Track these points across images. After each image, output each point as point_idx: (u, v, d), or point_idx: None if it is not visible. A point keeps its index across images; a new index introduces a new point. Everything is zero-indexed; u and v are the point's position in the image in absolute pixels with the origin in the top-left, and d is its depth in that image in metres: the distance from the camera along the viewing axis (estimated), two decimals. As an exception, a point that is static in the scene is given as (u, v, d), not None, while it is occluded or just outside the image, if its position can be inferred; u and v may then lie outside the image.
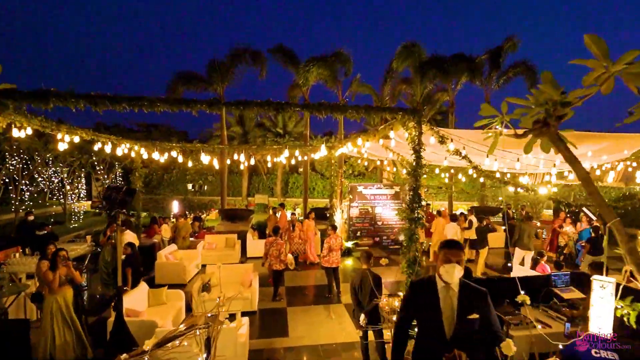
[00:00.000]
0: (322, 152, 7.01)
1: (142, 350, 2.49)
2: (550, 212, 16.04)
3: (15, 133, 5.14)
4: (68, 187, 16.51)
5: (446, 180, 11.95)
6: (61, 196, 16.76)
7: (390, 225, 12.12)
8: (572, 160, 2.41)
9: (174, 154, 8.73)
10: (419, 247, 4.80)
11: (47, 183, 17.00)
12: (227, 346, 4.43)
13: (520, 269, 7.12)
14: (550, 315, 4.77)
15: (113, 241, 7.20)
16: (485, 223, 8.80)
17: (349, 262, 10.26)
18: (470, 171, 8.33)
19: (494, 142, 2.85)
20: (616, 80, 1.77)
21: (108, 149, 7.00)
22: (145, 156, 8.85)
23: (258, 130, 26.22)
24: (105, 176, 17.45)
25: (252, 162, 8.26)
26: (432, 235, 10.01)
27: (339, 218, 11.37)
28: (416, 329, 2.41)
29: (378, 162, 11.02)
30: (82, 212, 17.13)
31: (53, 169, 16.60)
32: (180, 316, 6.16)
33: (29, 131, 5.55)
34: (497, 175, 6.55)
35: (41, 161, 16.24)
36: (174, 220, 12.82)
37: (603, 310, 2.97)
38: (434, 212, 10.97)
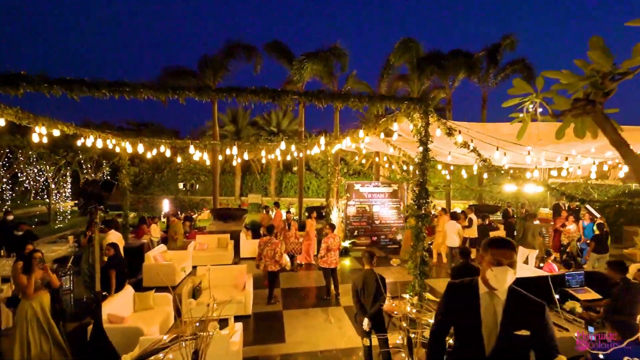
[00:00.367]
0: (321, 145, 6.61)
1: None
2: (547, 210, 15.93)
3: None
4: (53, 186, 15.88)
5: (448, 177, 11.69)
6: (46, 195, 16.12)
7: (388, 224, 11.80)
8: (621, 144, 2.07)
9: (164, 150, 8.29)
10: (426, 246, 4.46)
11: (32, 182, 16.36)
12: (219, 355, 4.04)
13: (525, 268, 6.85)
14: (567, 318, 4.47)
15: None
16: (487, 221, 8.53)
17: (346, 263, 9.92)
18: (476, 166, 8.10)
19: (523, 126, 2.52)
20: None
21: (90, 142, 6.53)
22: (135, 151, 8.39)
23: (251, 128, 25.78)
24: (93, 175, 16.84)
25: (246, 156, 7.86)
26: (436, 235, 9.71)
27: (335, 217, 11.03)
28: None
29: (377, 159, 10.69)
30: (68, 212, 16.50)
31: (38, 167, 15.97)
32: (169, 322, 5.75)
33: (2, 122, 5.10)
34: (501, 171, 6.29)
35: (24, 159, 15.60)
36: (165, 220, 12.36)
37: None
38: (439, 210, 10.61)
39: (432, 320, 3.20)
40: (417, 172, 4.43)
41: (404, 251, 10.22)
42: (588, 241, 9.08)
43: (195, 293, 6.12)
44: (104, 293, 5.41)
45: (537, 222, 10.77)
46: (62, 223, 15.44)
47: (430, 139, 4.54)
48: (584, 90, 2.09)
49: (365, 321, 4.25)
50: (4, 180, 13.70)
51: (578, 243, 9.74)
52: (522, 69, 15.15)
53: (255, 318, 6.18)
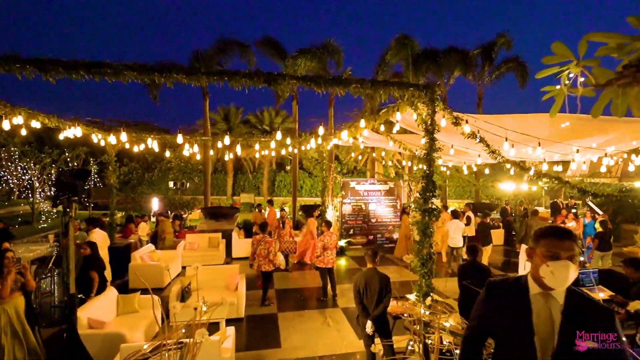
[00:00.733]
0: (319, 132, 6.24)
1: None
2: (542, 209, 15.86)
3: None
4: (37, 185, 15.24)
5: (448, 173, 11.47)
6: (30, 195, 15.47)
7: (384, 222, 11.53)
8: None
9: (151, 144, 7.84)
10: (433, 243, 4.17)
11: (16, 181, 15.69)
12: (209, 363, 3.69)
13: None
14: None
15: (79, 241, 6.32)
16: (488, 219, 8.30)
17: (342, 262, 9.60)
18: (479, 161, 7.82)
19: (557, 102, 2.23)
20: None
21: (73, 133, 6.09)
22: (122, 145, 7.95)
23: (244, 126, 25.34)
24: (78, 173, 16.21)
25: (238, 151, 7.49)
26: (436, 233, 9.42)
27: (330, 215, 10.71)
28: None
29: (374, 154, 10.41)
30: (53, 211, 15.86)
31: (21, 164, 15.31)
32: (154, 327, 5.35)
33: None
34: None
35: (7, 156, 14.95)
36: (155, 219, 11.89)
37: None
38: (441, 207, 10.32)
39: (449, 324, 2.90)
40: (419, 167, 4.13)
41: (398, 249, 9.96)
42: (589, 239, 8.94)
43: (184, 295, 5.74)
44: (80, 296, 4.99)
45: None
46: (47, 223, 14.82)
47: (437, 128, 4.25)
48: (632, 56, 1.80)
49: (368, 324, 3.94)
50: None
51: (579, 241, 9.61)
52: (515, 67, 15.07)
53: (248, 321, 5.82)
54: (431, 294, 4.23)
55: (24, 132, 6.01)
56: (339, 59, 13.76)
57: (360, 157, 18.02)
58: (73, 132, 5.79)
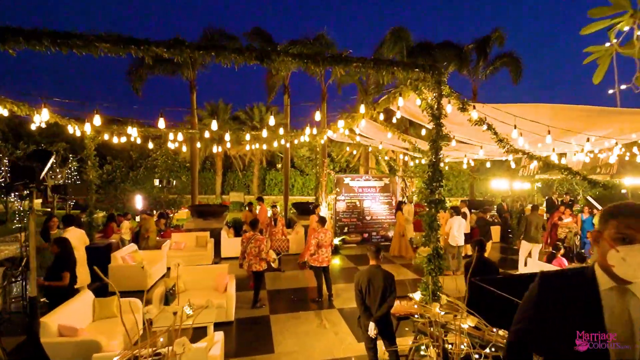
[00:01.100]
0: (315, 117, 5.82)
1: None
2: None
3: None
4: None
5: (446, 168, 11.23)
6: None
7: (379, 220, 11.21)
8: None
9: (134, 138, 7.34)
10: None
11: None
12: (195, 374, 3.26)
13: (538, 264, 6.38)
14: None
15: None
16: (488, 215, 8.05)
17: (336, 262, 9.23)
18: (481, 152, 7.53)
19: (603, 64, 1.89)
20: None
21: (39, 120, 5.53)
22: (101, 137, 7.41)
23: (233, 123, 24.70)
24: (58, 170, 15.44)
25: (227, 137, 7.02)
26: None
27: (324, 213, 10.34)
28: None
29: (370, 149, 10.09)
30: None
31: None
32: (136, 333, 4.88)
33: None
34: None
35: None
36: (138, 218, 11.31)
37: None
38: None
39: (467, 326, 2.56)
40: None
41: (393, 248, 9.65)
42: (588, 234, 8.79)
43: (168, 297, 5.27)
44: (43, 300, 4.49)
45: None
46: (22, 223, 13.98)
47: (444, 113, 3.92)
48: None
49: (371, 326, 3.58)
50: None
51: (576, 237, 9.47)
52: (509, 63, 14.98)
53: (238, 325, 5.39)
54: (439, 293, 3.90)
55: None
56: (332, 52, 13.36)
57: (355, 152, 17.65)
58: (40, 118, 5.23)
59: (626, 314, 1.16)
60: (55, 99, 5.77)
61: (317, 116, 5.61)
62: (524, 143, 4.78)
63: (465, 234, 8.94)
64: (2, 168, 13.97)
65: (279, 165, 30.08)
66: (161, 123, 5.00)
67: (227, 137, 6.94)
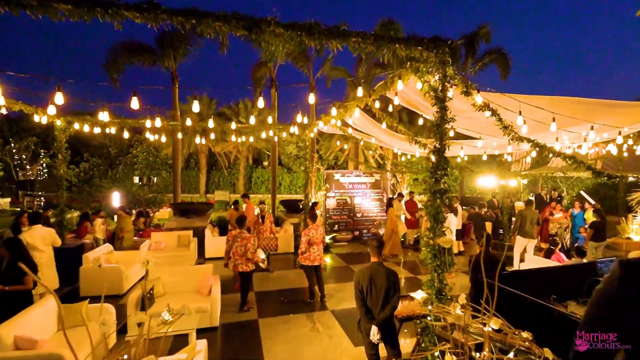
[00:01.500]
0: (305, 114, 5.45)
1: None
2: (520, 203, 15.90)
3: None
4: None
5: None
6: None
7: (370, 217, 10.91)
8: None
9: (105, 117, 6.65)
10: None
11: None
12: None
13: (537, 259, 6.18)
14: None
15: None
16: (482, 210, 7.84)
17: (327, 260, 8.86)
18: (480, 144, 7.29)
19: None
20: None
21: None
22: (79, 126, 6.77)
23: (218, 119, 24.01)
24: (28, 167, 14.47)
25: (210, 124, 6.51)
26: (424, 227, 8.87)
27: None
28: None
29: (361, 142, 9.75)
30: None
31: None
32: (109, 343, 4.37)
33: None
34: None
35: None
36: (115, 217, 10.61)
37: None
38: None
39: (489, 328, 2.22)
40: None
41: (385, 246, 9.35)
42: (581, 229, 8.73)
43: (144, 302, 4.77)
44: None
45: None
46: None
47: (449, 97, 3.60)
48: None
49: (374, 330, 3.22)
50: None
51: (566, 232, 9.41)
52: (498, 59, 14.98)
53: (224, 330, 4.94)
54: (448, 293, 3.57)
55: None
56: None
57: (346, 147, 17.26)
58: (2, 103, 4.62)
59: None
60: (9, 73, 5.11)
61: (311, 98, 5.21)
62: (527, 131, 4.55)
63: (457, 230, 8.75)
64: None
65: (266, 163, 29.49)
66: (134, 103, 4.47)
67: (211, 123, 6.44)
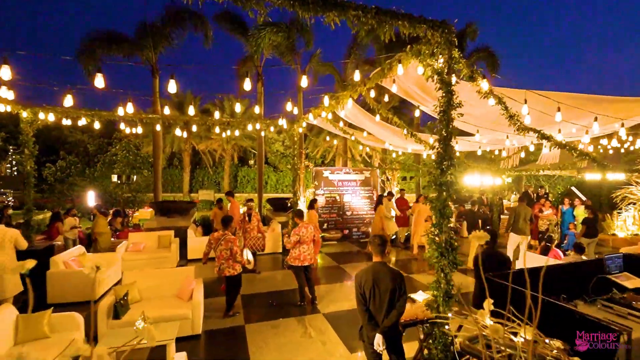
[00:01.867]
0: (295, 104, 5.10)
1: None
2: (506, 202, 15.98)
3: None
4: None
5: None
6: None
7: (360, 215, 10.62)
8: None
9: (69, 101, 6.05)
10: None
11: None
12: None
13: (535, 256, 6.01)
14: (619, 313, 3.52)
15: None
16: (477, 208, 7.67)
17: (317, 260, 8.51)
18: (477, 137, 7.07)
19: None
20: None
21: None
22: (44, 115, 6.17)
23: (201, 116, 23.30)
24: (-6, 165, 13.51)
25: (191, 111, 6.04)
26: (415, 225, 8.64)
27: (302, 208, 9.59)
28: None
29: (352, 138, 9.43)
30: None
31: None
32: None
33: None
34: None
35: None
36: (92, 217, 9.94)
37: None
38: (422, 197, 9.37)
39: (523, 339, 1.93)
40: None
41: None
42: (571, 226, 8.70)
43: (117, 310, 4.31)
44: None
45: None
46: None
47: (456, 80, 3.32)
48: None
49: (378, 338, 2.88)
50: None
51: (556, 228, 9.38)
52: (486, 57, 14.98)
53: (207, 338, 4.52)
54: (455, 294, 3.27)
55: None
56: (308, 39, 12.64)
57: (335, 142, 16.90)
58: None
59: None
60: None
61: (304, 81, 4.84)
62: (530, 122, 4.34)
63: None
64: None
65: (252, 162, 28.89)
66: (99, 81, 3.95)
67: (191, 110, 5.97)
